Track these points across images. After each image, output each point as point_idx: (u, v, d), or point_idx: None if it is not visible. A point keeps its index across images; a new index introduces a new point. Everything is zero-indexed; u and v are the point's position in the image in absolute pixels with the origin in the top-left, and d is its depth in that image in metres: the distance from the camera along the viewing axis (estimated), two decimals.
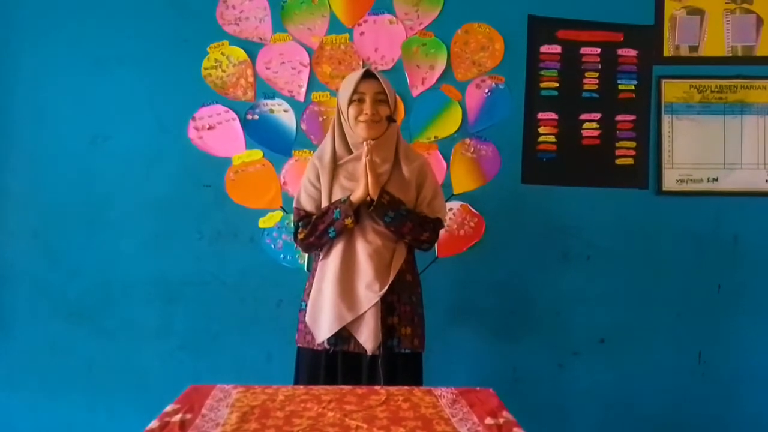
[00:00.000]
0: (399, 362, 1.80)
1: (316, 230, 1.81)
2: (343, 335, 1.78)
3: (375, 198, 1.76)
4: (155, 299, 2.36)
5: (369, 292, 1.76)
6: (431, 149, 2.35)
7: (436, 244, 2.02)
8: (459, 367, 2.35)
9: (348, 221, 1.77)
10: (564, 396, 2.39)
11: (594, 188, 2.39)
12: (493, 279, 2.38)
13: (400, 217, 1.79)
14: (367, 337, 1.75)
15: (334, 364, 1.80)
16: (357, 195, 1.77)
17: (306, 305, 1.85)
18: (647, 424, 2.39)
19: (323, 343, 1.78)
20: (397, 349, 1.79)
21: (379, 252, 1.79)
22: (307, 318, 1.82)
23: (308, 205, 1.87)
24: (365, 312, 1.75)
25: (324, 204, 1.84)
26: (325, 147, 1.88)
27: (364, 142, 1.79)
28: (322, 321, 1.78)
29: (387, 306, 1.79)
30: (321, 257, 1.85)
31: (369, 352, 1.75)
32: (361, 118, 1.80)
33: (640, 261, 2.39)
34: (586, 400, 2.39)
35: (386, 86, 1.82)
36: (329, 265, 1.81)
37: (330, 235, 1.80)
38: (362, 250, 1.79)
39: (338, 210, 1.78)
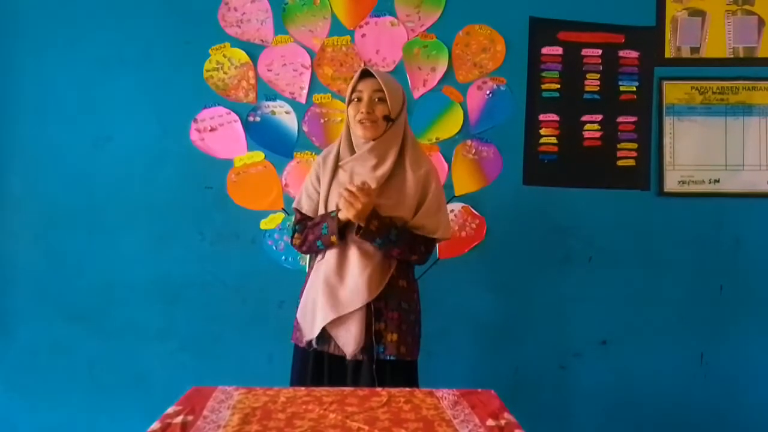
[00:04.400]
0: (387, 369, 1.76)
1: (307, 240, 1.82)
2: (324, 336, 1.76)
3: (363, 224, 1.71)
4: (157, 300, 2.36)
5: (354, 297, 1.73)
6: (433, 151, 2.35)
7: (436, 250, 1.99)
8: (460, 368, 2.35)
9: (333, 239, 1.74)
10: (566, 397, 2.39)
11: (595, 189, 2.39)
12: (494, 280, 2.37)
13: (389, 242, 1.74)
14: (345, 341, 1.72)
15: (321, 363, 1.79)
16: (343, 213, 1.73)
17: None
18: (649, 426, 2.39)
19: (311, 341, 1.78)
20: (382, 356, 1.76)
21: (373, 256, 1.76)
22: (298, 315, 1.83)
23: (306, 207, 1.86)
24: (349, 316, 1.72)
25: (321, 205, 1.83)
26: (332, 147, 1.88)
27: (368, 144, 1.78)
28: (310, 320, 1.78)
29: (375, 312, 1.76)
30: (318, 258, 1.84)
31: (348, 356, 1.73)
32: (357, 117, 1.77)
33: (642, 262, 2.39)
34: (587, 401, 2.39)
35: (386, 85, 1.77)
36: (323, 266, 1.80)
37: (319, 247, 1.79)
38: (356, 254, 1.76)
39: (326, 225, 1.76)
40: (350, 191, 1.69)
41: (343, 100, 2.25)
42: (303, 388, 1.56)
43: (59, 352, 2.36)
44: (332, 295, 1.74)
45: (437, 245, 1.93)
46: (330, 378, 1.76)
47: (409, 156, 1.82)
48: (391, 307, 1.78)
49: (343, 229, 1.76)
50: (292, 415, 1.32)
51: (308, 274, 1.89)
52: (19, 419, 2.36)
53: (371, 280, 1.74)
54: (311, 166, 1.91)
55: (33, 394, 2.36)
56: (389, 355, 1.76)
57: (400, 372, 1.79)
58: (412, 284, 1.87)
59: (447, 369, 2.24)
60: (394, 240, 1.75)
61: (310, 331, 1.77)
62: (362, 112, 1.77)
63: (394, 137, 1.81)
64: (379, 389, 1.53)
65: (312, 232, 1.80)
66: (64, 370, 2.36)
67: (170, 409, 1.35)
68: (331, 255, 1.79)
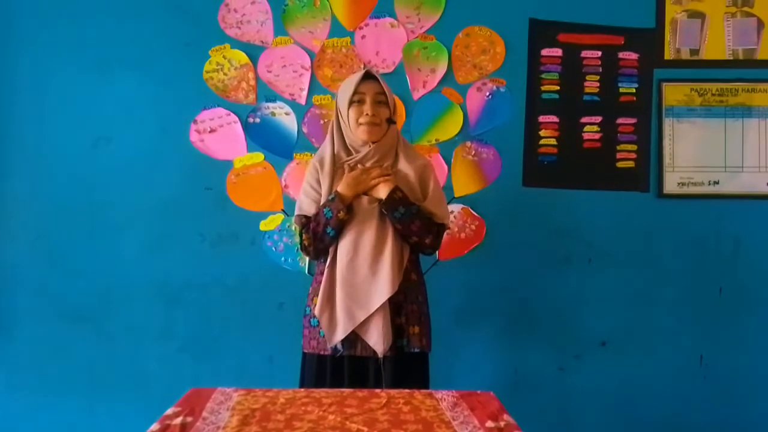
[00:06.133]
0: (408, 362, 1.78)
1: (317, 234, 1.79)
2: (350, 338, 1.75)
3: (388, 192, 1.74)
4: (156, 302, 2.36)
5: (379, 291, 1.72)
6: (432, 152, 2.35)
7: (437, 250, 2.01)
8: (460, 369, 2.35)
9: (341, 214, 1.74)
10: (565, 399, 2.39)
11: (595, 191, 2.39)
12: (494, 282, 2.37)
13: (410, 214, 1.76)
14: (377, 340, 1.72)
15: (340, 368, 1.78)
16: (343, 187, 1.76)
17: (310, 310, 1.83)
18: (648, 427, 2.39)
19: (336, 346, 1.75)
20: (407, 349, 1.77)
21: (387, 252, 1.76)
22: (321, 322, 1.77)
23: (312, 210, 1.83)
24: (374, 313, 1.72)
25: None
26: (325, 150, 1.86)
27: (368, 146, 1.79)
28: (334, 323, 1.75)
29: (394, 306, 1.76)
30: (327, 262, 1.81)
31: (380, 354, 1.72)
32: (362, 119, 1.77)
33: (642, 264, 2.39)
34: (587, 403, 2.39)
35: (386, 87, 1.81)
36: (337, 267, 1.78)
37: (329, 234, 1.77)
38: (370, 250, 1.75)
39: (328, 208, 1.76)
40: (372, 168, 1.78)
41: None
42: (302, 390, 1.56)
43: (59, 353, 2.36)
44: (356, 295, 1.74)
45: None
46: (351, 380, 1.74)
47: (403, 153, 1.86)
48: (410, 300, 1.81)
49: (349, 205, 1.76)
50: (292, 416, 1.32)
51: (314, 280, 1.87)
52: (19, 419, 2.36)
53: (392, 271, 1.74)
54: (307, 169, 1.90)
55: (33, 395, 2.36)
56: (414, 347, 1.78)
57: (419, 365, 1.82)
58: (421, 277, 1.90)
59: (446, 370, 2.24)
60: (415, 212, 1.77)
61: (334, 336, 1.75)
62: (367, 114, 1.77)
63: (392, 139, 1.85)
64: (378, 390, 1.54)
65: (316, 224, 1.78)
66: (65, 371, 2.35)
67: (169, 410, 1.35)
68: (343, 254, 1.77)
